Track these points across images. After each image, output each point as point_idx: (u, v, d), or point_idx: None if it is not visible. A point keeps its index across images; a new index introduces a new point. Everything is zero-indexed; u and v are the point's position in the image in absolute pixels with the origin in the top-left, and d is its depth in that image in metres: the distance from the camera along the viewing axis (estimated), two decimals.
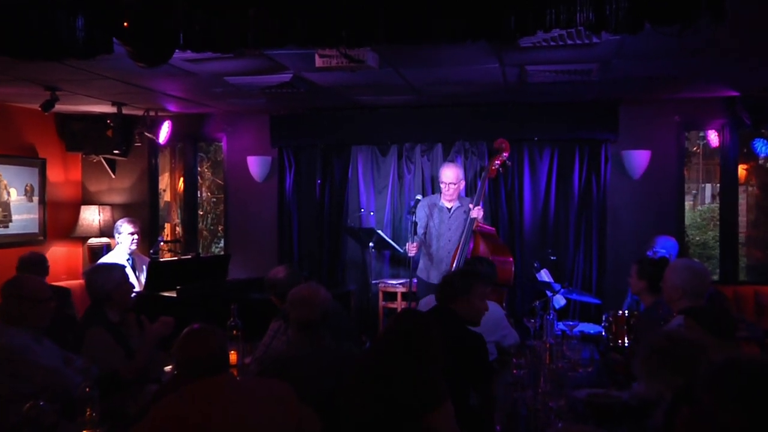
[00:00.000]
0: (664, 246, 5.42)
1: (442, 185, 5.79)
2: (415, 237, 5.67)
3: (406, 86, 5.69)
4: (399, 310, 5.89)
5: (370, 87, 5.77)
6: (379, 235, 6.10)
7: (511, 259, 5.49)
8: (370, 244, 6.16)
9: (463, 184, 5.87)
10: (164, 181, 8.33)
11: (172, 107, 6.85)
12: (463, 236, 5.61)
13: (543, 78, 5.22)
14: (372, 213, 6.86)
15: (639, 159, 6.37)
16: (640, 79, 5.35)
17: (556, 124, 6.47)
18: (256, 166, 7.20)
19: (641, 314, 4.04)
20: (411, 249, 5.66)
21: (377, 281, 6.49)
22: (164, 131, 6.97)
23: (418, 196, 5.90)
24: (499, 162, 5.87)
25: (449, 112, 6.68)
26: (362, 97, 6.31)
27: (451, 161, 6.61)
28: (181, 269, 5.66)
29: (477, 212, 5.59)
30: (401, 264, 6.73)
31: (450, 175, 5.73)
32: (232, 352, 3.65)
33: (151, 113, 6.88)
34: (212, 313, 4.43)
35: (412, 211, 5.66)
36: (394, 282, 6.39)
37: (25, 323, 3.18)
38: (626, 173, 6.46)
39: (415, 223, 5.64)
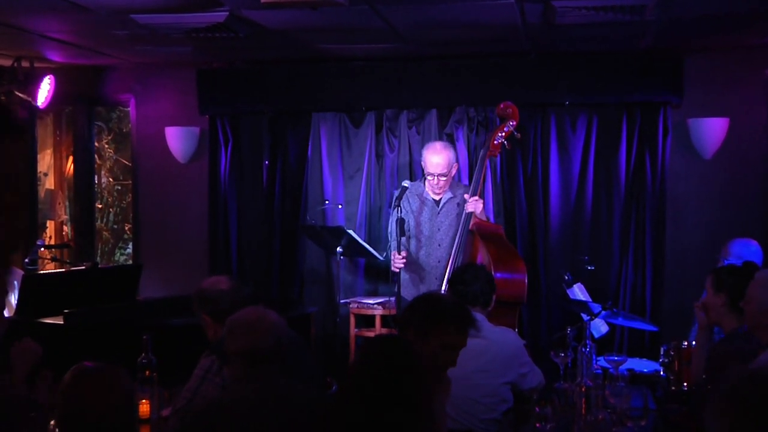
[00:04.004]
0: (741, 254, 5.43)
1: (429, 177, 5.77)
2: (402, 240, 5.66)
3: (387, 31, 5.66)
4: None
5: (337, 31, 5.73)
6: (350, 236, 6.08)
7: (522, 268, 5.48)
8: (338, 249, 6.13)
9: (456, 168, 5.86)
10: (45, 160, 8.23)
11: (56, 56, 6.77)
12: (457, 238, 5.60)
13: (577, 18, 5.22)
14: (340, 206, 6.84)
15: (712, 130, 6.41)
16: (714, 17, 5.37)
17: (595, 82, 6.49)
18: (177, 140, 7.15)
19: (716, 345, 4.05)
20: (397, 260, 5.64)
21: (347, 300, 6.47)
22: (44, 90, 6.85)
23: (405, 182, 5.89)
24: (503, 134, 5.82)
25: (447, 66, 6.68)
26: (327, 45, 6.27)
27: (449, 135, 6.62)
28: (71, 286, 5.60)
29: (474, 204, 5.58)
30: (380, 277, 6.71)
31: (440, 162, 5.70)
32: (144, 401, 3.60)
33: (25, 64, 6.78)
34: (115, 346, 4.37)
35: (396, 204, 5.64)
36: (370, 301, 6.38)
37: None
38: (694, 150, 6.50)
39: (402, 221, 5.62)
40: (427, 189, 5.85)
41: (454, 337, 3.16)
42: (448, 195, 5.83)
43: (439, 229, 5.81)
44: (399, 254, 5.63)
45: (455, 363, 3.19)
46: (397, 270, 5.67)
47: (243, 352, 3.14)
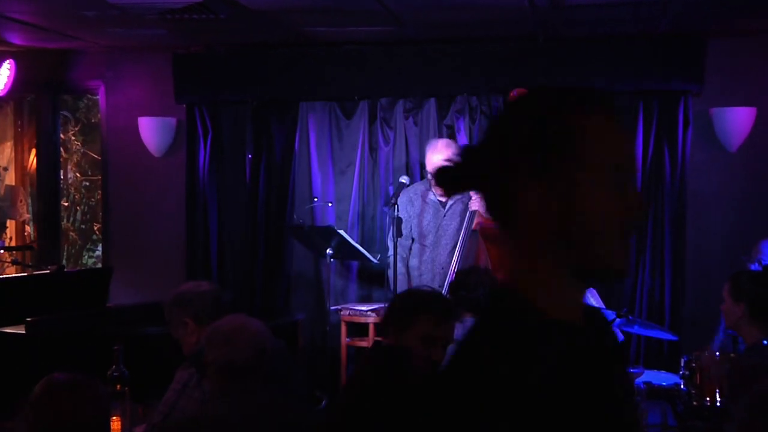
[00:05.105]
0: None
1: (430, 176, 5.78)
2: (400, 241, 5.66)
3: (382, 12, 5.66)
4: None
5: (327, 12, 5.74)
6: (341, 237, 6.08)
7: None
8: (328, 251, 6.14)
9: None
10: (5, 154, 8.22)
11: (17, 39, 6.75)
12: (460, 240, 5.61)
13: None
14: (330, 204, 6.84)
15: (737, 120, 6.41)
16: None
17: (608, 69, 6.49)
18: (151, 132, 7.14)
19: (740, 357, 4.07)
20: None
21: (338, 307, 6.47)
22: (3, 76, 6.86)
23: (403, 178, 5.89)
24: None
25: (447, 52, 6.68)
26: (316, 28, 6.27)
27: (449, 127, 6.62)
28: (34, 291, 5.59)
29: (478, 202, 5.59)
30: (374, 281, 6.72)
31: (440, 162, 5.70)
32: (115, 418, 3.60)
33: None
34: (83, 357, 4.36)
35: (392, 202, 5.64)
36: (363, 308, 6.37)
37: None
38: (717, 143, 6.51)
39: (398, 219, 5.63)
40: (433, 189, 5.84)
41: (435, 329, 3.18)
42: (456, 196, 5.82)
43: (445, 233, 5.81)
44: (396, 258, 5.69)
45: (442, 358, 3.21)
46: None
47: (222, 364, 3.14)
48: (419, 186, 5.95)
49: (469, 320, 4.04)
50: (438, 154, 5.72)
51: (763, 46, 6.49)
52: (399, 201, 5.76)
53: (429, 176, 5.82)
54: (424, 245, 5.87)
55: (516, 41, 6.58)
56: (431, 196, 5.86)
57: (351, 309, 6.41)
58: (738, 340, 4.28)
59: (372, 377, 2.57)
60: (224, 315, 3.40)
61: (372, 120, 6.87)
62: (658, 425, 3.82)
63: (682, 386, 4.38)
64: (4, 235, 7.96)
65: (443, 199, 5.83)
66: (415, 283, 5.91)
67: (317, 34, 6.48)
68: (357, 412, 2.50)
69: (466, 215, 5.65)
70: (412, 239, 5.87)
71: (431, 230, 5.85)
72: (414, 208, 5.89)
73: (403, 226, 5.76)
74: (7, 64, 6.79)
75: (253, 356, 3.13)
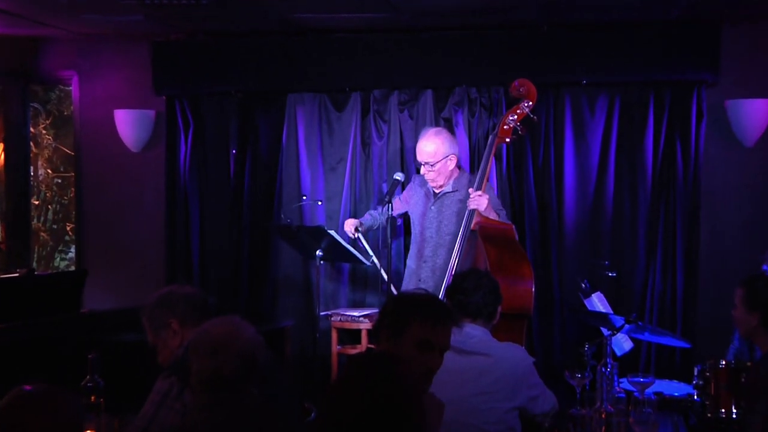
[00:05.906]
0: None
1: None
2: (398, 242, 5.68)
3: None
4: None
5: None
6: (331, 237, 6.08)
7: (527, 273, 5.47)
8: (318, 252, 6.13)
9: (453, 161, 5.85)
10: None
11: None
12: (458, 240, 5.61)
13: None
14: (320, 202, 6.83)
15: (754, 113, 6.42)
16: None
17: (617, 58, 6.51)
18: (129, 125, 7.14)
19: (757, 365, 4.06)
20: (349, 226, 5.98)
21: (329, 312, 6.47)
22: None
23: (397, 175, 5.89)
24: (516, 117, 5.84)
25: (445, 40, 6.69)
26: (305, 14, 6.27)
27: (447, 120, 6.63)
28: (2, 296, 5.58)
29: (476, 201, 5.57)
30: (368, 284, 6.73)
31: (426, 149, 5.74)
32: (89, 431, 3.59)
33: None
34: (55, 367, 4.35)
35: (386, 200, 5.64)
36: (355, 314, 6.37)
37: None
38: (733, 137, 6.51)
39: (393, 219, 5.63)
40: (428, 181, 5.87)
41: (431, 333, 3.16)
42: (448, 189, 5.82)
43: (429, 227, 5.81)
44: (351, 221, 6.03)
45: (439, 365, 3.19)
46: (351, 236, 5.99)
47: (207, 375, 3.11)
48: (417, 179, 5.98)
49: (467, 326, 4.02)
50: (423, 141, 5.74)
51: None
52: (393, 194, 5.78)
53: (421, 167, 5.81)
54: (416, 240, 5.87)
55: (518, 29, 6.58)
56: (429, 186, 5.87)
57: (342, 314, 6.40)
58: (755, 348, 4.27)
59: (355, 388, 2.54)
60: (208, 320, 3.37)
61: (365, 113, 6.87)
62: None
63: (695, 397, 4.38)
64: None
65: (438, 191, 5.83)
66: (412, 280, 5.90)
67: (306, 21, 6.48)
68: (339, 427, 2.48)
69: (464, 214, 5.63)
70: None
71: (419, 223, 5.86)
72: (417, 196, 5.91)
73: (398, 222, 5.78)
74: None
75: (242, 367, 3.10)
